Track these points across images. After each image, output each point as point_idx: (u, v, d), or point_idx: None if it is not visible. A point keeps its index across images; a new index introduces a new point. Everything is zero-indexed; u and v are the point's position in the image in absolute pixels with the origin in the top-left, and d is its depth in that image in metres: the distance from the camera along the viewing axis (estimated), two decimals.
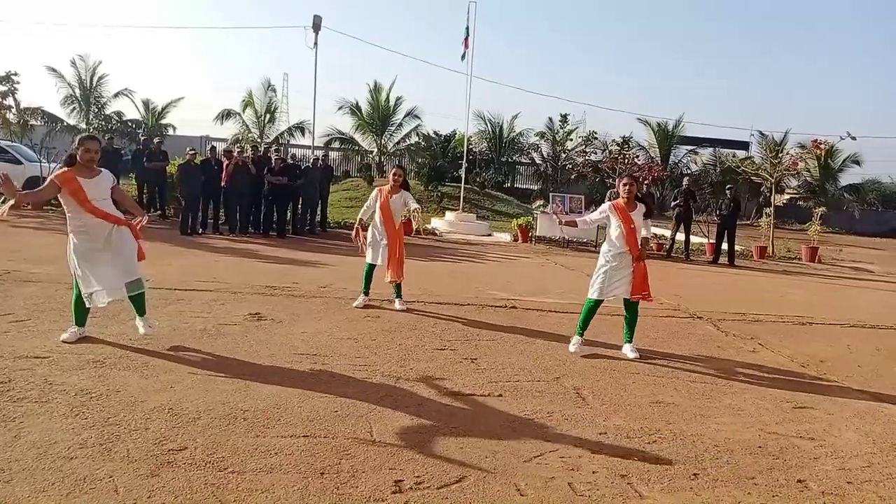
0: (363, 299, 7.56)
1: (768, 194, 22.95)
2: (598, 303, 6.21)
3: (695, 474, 3.74)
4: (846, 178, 40.12)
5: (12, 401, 3.99)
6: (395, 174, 7.70)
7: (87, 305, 5.30)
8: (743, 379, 5.81)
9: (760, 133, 39.04)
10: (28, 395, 4.10)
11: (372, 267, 7.56)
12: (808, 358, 6.77)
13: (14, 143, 20.40)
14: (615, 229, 6.16)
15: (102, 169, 5.44)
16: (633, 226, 6.10)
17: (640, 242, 6.15)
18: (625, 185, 6.25)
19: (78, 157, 5.25)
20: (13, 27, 76.70)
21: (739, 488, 3.62)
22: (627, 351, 6.22)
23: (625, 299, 6.20)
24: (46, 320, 5.86)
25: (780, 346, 7.25)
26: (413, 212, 8.04)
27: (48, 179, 5.28)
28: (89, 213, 5.19)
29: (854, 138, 19.10)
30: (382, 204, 7.54)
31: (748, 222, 29.12)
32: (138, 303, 5.45)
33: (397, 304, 7.55)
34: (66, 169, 5.27)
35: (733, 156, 37.43)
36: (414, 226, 7.78)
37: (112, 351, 5.12)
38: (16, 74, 20.81)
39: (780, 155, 21.30)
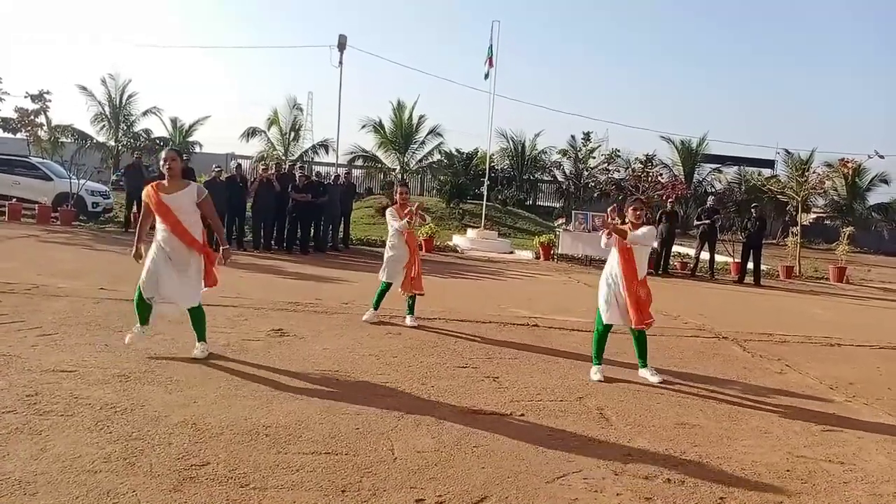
0: (373, 314, 7.56)
1: (794, 213, 22.64)
2: (607, 328, 6.01)
3: (721, 498, 3.67)
4: (874, 198, 39.64)
5: (39, 414, 4.04)
6: (402, 193, 7.71)
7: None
8: (770, 401, 5.71)
9: (786, 151, 38.68)
10: (54, 409, 4.14)
11: (388, 286, 7.54)
12: (837, 380, 6.63)
13: (45, 160, 20.84)
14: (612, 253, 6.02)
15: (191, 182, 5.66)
16: (627, 248, 5.85)
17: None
18: (633, 210, 6.02)
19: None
20: (47, 44, 78.61)
21: None
22: (647, 375, 6.03)
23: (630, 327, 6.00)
24: (73, 335, 5.94)
25: (808, 367, 7.11)
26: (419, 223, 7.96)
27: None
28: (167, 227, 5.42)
29: (882, 157, 18.88)
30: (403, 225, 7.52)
31: (774, 241, 28.78)
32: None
33: (409, 321, 7.55)
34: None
35: (758, 174, 37.10)
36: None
37: (137, 366, 5.17)
38: (48, 93, 21.26)
39: (806, 173, 21.05)
